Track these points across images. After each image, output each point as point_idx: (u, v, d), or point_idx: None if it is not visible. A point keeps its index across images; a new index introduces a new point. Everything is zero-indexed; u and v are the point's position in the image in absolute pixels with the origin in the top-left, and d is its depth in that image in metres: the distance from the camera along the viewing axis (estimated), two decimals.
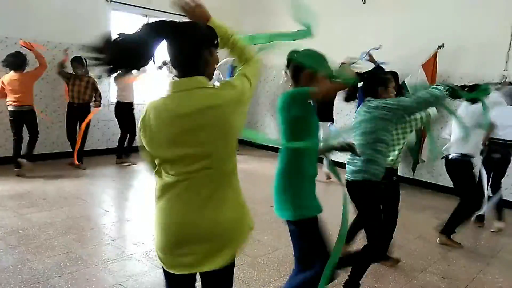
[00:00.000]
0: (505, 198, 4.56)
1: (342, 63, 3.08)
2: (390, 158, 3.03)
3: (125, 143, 6.21)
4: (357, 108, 3.09)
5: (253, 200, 4.84)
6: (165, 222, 1.44)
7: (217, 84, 1.47)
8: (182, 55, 1.40)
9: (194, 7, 1.53)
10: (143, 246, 3.40)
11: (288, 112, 2.01)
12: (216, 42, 1.47)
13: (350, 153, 2.57)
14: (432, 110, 3.06)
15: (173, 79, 1.44)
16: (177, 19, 1.43)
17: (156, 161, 1.45)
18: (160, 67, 6.18)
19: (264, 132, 8.08)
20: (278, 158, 2.12)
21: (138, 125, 1.47)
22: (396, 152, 3.10)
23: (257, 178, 5.64)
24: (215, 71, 1.49)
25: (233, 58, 1.62)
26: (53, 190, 4.73)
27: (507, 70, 5.07)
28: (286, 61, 2.15)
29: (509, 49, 5.17)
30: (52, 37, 5.75)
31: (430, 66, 5.54)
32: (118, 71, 1.39)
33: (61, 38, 5.86)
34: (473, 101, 3.59)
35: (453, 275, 3.28)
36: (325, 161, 5.01)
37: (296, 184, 2.04)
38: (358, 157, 2.54)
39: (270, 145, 7.25)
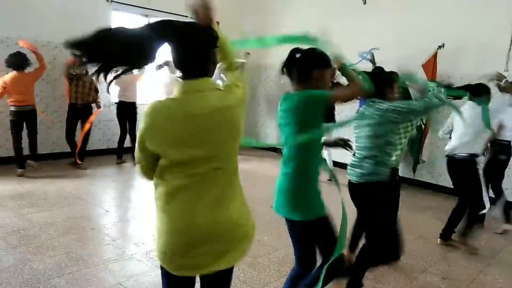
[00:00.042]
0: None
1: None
2: (393, 158, 3.04)
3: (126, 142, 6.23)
4: (359, 107, 3.08)
5: (253, 200, 4.84)
6: (180, 225, 1.41)
7: (219, 83, 1.49)
8: (192, 56, 1.39)
9: (205, 12, 1.47)
10: (143, 246, 3.41)
11: (302, 114, 1.97)
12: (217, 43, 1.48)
13: (358, 153, 2.57)
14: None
15: (179, 80, 1.43)
16: (177, 19, 1.43)
17: (162, 164, 1.40)
18: (160, 67, 6.19)
19: (265, 132, 8.09)
20: (284, 160, 2.09)
21: (142, 125, 1.39)
22: (399, 152, 3.10)
23: (257, 178, 5.65)
24: (216, 71, 1.50)
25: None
26: (53, 190, 4.74)
27: (507, 71, 5.07)
28: (285, 61, 2.08)
29: (510, 49, 5.17)
30: (53, 37, 5.76)
31: (430, 66, 5.54)
32: (115, 70, 1.33)
33: (62, 38, 5.77)
34: (478, 102, 3.61)
35: (453, 275, 3.28)
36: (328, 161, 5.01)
37: (307, 185, 2.04)
38: (367, 160, 2.54)
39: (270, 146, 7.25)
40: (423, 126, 5.63)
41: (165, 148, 1.38)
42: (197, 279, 1.57)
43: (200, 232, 1.40)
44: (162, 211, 1.44)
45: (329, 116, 5.71)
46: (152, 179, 1.48)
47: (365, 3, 6.48)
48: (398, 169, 3.25)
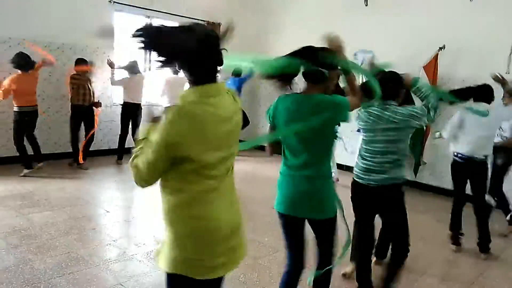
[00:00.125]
0: None
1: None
2: None
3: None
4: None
5: (254, 201, 4.84)
6: (211, 225, 1.44)
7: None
8: (216, 62, 1.43)
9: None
10: (144, 247, 3.41)
11: (333, 119, 2.01)
12: None
13: (375, 157, 2.56)
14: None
15: (190, 83, 1.44)
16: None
17: (187, 168, 1.38)
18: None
19: (265, 134, 8.08)
20: (301, 164, 2.06)
21: (172, 131, 1.33)
22: None
23: (257, 179, 5.64)
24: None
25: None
26: (54, 190, 4.75)
27: (509, 73, 5.06)
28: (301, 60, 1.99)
29: (511, 51, 5.17)
30: (55, 37, 5.77)
31: (431, 67, 5.54)
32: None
33: (64, 39, 5.88)
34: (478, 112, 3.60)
35: (453, 278, 3.28)
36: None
37: (330, 184, 2.13)
38: (388, 165, 2.53)
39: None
40: (424, 128, 5.63)
41: (201, 152, 1.37)
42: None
43: (227, 230, 1.49)
44: (188, 216, 1.42)
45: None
46: (152, 184, 1.44)
47: (367, 5, 6.48)
48: None
